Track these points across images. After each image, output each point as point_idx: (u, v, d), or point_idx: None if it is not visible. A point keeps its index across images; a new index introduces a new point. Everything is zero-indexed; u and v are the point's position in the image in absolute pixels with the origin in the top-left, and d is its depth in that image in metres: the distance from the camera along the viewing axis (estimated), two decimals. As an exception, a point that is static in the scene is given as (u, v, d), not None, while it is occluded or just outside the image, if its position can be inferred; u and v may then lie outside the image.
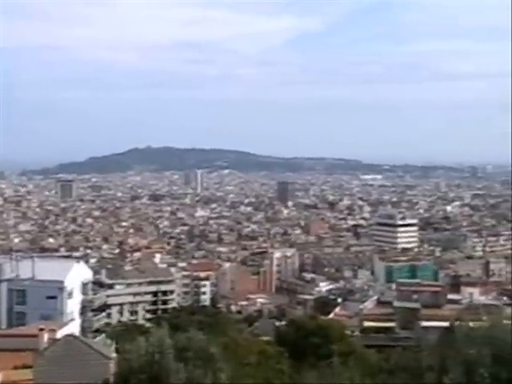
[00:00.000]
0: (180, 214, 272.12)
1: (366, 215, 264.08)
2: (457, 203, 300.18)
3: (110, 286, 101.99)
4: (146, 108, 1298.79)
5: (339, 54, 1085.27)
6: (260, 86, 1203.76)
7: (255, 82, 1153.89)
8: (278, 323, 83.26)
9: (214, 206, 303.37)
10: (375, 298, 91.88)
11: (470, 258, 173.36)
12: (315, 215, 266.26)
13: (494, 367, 12.64)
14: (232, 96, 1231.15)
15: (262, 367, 28.30)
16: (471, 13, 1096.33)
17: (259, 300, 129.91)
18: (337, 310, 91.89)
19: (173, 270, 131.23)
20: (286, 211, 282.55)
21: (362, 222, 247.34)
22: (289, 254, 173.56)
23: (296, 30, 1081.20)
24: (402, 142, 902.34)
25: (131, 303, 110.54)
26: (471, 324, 14.84)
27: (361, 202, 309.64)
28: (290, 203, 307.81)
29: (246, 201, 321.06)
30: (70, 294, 59.10)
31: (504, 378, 12.42)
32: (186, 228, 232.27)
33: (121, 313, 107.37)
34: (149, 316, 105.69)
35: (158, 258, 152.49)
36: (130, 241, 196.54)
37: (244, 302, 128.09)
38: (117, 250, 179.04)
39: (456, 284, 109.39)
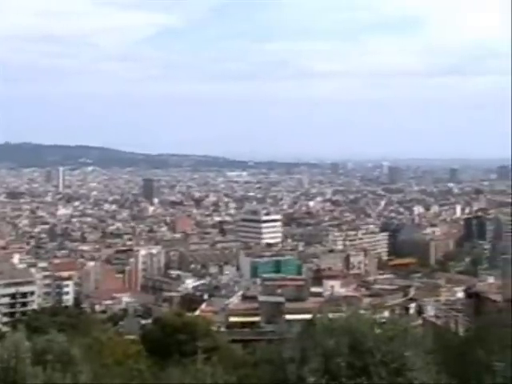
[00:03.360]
0: (40, 213, 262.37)
1: (232, 211, 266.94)
2: (319, 199, 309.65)
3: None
4: (2, 102, 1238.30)
5: (201, 51, 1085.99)
6: (123, 81, 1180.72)
7: (118, 77, 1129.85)
8: (143, 321, 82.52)
9: (76, 203, 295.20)
10: (240, 293, 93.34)
11: (331, 251, 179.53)
12: (181, 212, 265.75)
13: (351, 356, 13.11)
14: (95, 91, 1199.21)
15: (125, 367, 27.93)
16: (330, 13, 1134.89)
17: (124, 299, 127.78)
18: (203, 306, 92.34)
19: (33, 270, 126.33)
20: (151, 208, 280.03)
21: (227, 218, 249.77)
22: (154, 251, 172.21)
23: (158, 26, 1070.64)
24: (265, 138, 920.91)
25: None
26: (330, 315, 15.23)
27: (226, 199, 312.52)
28: (155, 200, 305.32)
29: (111, 198, 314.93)
30: None
31: (358, 366, 12.93)
32: (46, 227, 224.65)
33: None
34: (6, 320, 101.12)
35: (16, 258, 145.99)
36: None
37: (109, 302, 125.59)
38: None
39: (318, 277, 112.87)
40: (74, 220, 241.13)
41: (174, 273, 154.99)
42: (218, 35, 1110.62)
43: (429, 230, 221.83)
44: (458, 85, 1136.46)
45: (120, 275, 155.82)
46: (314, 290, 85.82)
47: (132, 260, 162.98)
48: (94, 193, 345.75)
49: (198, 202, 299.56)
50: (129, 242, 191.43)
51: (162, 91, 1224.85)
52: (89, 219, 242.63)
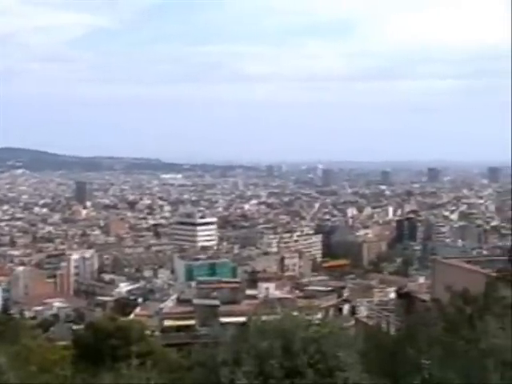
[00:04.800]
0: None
1: (167, 214, 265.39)
2: (254, 201, 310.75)
3: None
4: None
5: (134, 52, 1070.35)
6: (54, 81, 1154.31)
7: (49, 77, 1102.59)
8: (75, 327, 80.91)
9: (5, 207, 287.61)
10: (175, 296, 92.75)
11: (266, 254, 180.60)
12: (115, 215, 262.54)
13: (284, 358, 13.16)
14: (24, 92, 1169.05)
15: (54, 373, 27.32)
16: (265, 17, 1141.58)
17: (56, 304, 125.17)
18: (137, 310, 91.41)
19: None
20: (84, 212, 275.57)
21: (162, 221, 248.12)
22: (87, 255, 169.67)
23: (90, 27, 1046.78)
24: (200, 141, 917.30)
25: None
26: (264, 318, 15.26)
27: (161, 202, 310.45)
28: (88, 203, 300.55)
29: (42, 202, 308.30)
30: None
31: (291, 367, 13.01)
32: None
33: None
34: None
35: None
36: None
37: (39, 307, 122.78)
38: None
39: (253, 280, 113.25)
40: (3, 224, 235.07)
41: (107, 277, 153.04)
42: (151, 37, 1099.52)
43: (362, 232, 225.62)
44: (391, 89, 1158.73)
45: (51, 280, 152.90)
46: (249, 292, 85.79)
47: (64, 264, 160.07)
48: (24, 196, 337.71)
49: (131, 205, 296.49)
50: (61, 246, 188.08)
51: (95, 92, 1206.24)
52: (19, 223, 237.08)
